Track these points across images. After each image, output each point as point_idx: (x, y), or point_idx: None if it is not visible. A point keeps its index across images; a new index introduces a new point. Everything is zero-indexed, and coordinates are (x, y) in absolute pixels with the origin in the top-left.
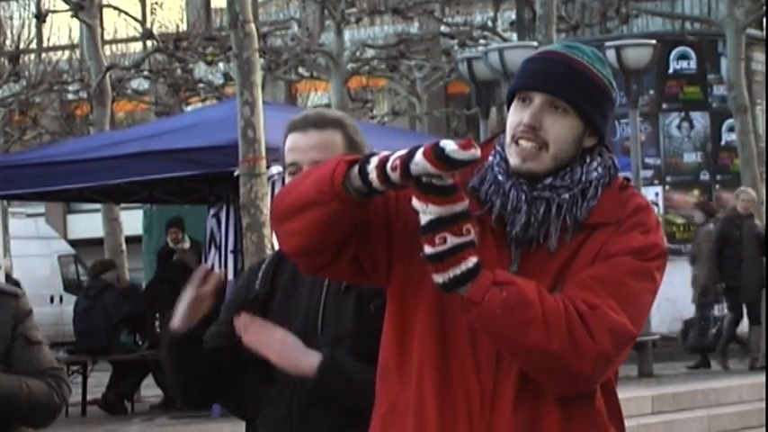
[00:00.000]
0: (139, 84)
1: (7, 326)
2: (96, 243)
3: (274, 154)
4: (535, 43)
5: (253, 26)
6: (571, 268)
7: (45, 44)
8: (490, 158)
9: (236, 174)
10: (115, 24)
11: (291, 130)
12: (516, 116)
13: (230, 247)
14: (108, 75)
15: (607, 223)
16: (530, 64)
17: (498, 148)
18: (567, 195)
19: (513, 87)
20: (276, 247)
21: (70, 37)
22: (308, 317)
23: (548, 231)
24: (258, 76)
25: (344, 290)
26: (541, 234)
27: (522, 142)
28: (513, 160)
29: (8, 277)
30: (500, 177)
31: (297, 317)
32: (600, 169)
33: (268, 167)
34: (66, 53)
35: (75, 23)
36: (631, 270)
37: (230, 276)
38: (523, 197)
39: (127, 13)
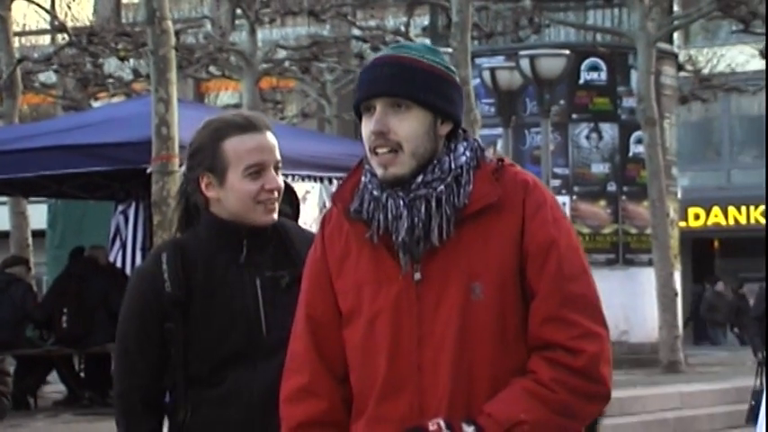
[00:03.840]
0: (47, 77)
1: None
2: (1, 236)
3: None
4: (449, 50)
5: (170, 23)
6: (481, 263)
7: None
8: (363, 179)
9: (148, 171)
10: (24, 16)
11: (247, 131)
12: (366, 128)
13: (139, 244)
14: (18, 67)
15: (490, 205)
16: (363, 75)
17: (367, 166)
18: (442, 187)
19: (356, 103)
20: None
21: None
22: (248, 318)
23: (431, 227)
24: (174, 74)
25: (286, 287)
26: (427, 232)
27: (379, 149)
28: (378, 171)
29: None
30: (375, 193)
31: (234, 328)
32: (468, 153)
33: (181, 165)
34: None
35: None
36: (571, 263)
37: None
38: (401, 203)
39: (38, 5)
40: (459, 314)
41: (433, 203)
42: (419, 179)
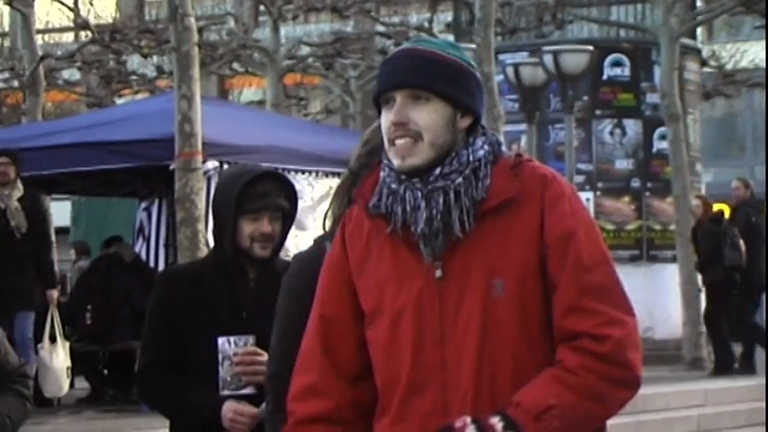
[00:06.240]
0: (71, 74)
1: None
2: None
3: (210, 149)
4: (473, 45)
5: (192, 20)
6: (502, 259)
7: None
8: (381, 174)
9: (171, 168)
10: (48, 13)
11: None
12: (386, 119)
13: (162, 240)
14: (41, 64)
15: (509, 201)
16: (384, 67)
17: (385, 161)
18: (460, 179)
19: (376, 95)
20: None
21: (1, 24)
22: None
23: (450, 220)
24: (196, 71)
25: None
26: (446, 224)
27: (398, 141)
28: (395, 162)
29: None
30: (393, 186)
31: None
32: (486, 146)
33: (204, 162)
34: None
35: (7, 11)
36: (589, 253)
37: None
38: (419, 194)
39: (61, 2)
40: (482, 311)
41: (452, 195)
42: (437, 171)
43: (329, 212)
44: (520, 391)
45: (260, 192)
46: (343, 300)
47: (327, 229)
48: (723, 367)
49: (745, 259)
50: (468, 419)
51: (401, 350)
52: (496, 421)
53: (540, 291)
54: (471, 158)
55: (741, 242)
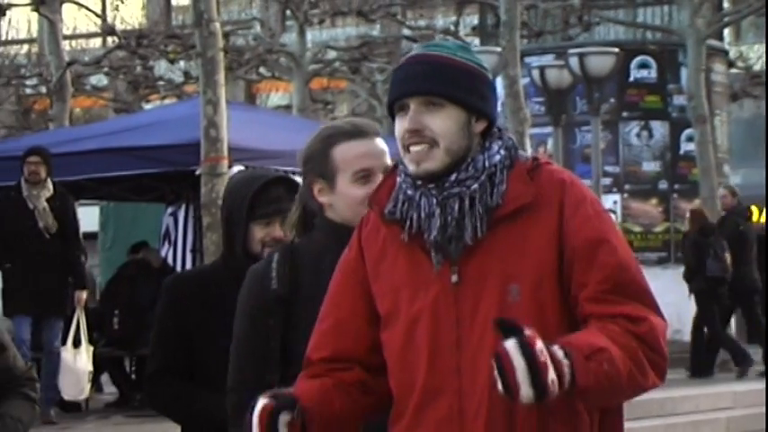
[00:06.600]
0: (98, 80)
1: None
2: None
3: (236, 154)
4: (498, 48)
5: (217, 25)
6: (518, 264)
7: (3, 37)
8: (398, 179)
9: (197, 173)
10: (75, 19)
11: (355, 137)
12: (400, 126)
13: (189, 246)
14: (68, 70)
15: (526, 206)
16: (396, 74)
17: (401, 167)
18: (476, 185)
19: (390, 102)
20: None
21: (29, 31)
22: None
23: (464, 226)
24: (222, 76)
25: None
26: (461, 230)
27: (413, 147)
28: (410, 167)
29: None
30: (409, 192)
31: None
32: (502, 151)
33: (230, 167)
34: (25, 47)
35: (34, 17)
36: (623, 254)
37: None
38: (434, 201)
39: (88, 8)
40: (498, 316)
41: (467, 202)
42: (452, 177)
43: (288, 220)
44: (567, 336)
45: (272, 197)
46: (357, 302)
47: (288, 236)
48: (738, 364)
49: (731, 270)
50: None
51: (417, 356)
52: (556, 348)
53: (558, 295)
54: (487, 164)
55: (727, 254)
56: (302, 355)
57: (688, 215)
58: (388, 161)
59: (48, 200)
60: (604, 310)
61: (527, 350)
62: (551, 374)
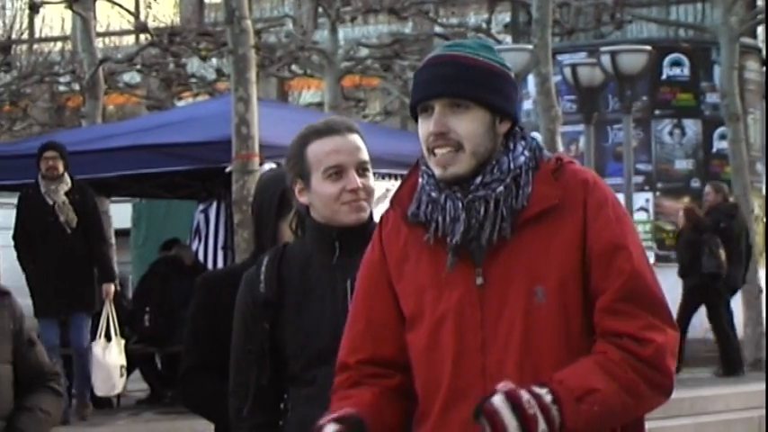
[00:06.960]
0: (131, 77)
1: (7, 326)
2: None
3: (267, 151)
4: (530, 46)
5: (249, 22)
6: (543, 266)
7: (37, 35)
8: (420, 181)
9: (228, 170)
10: (108, 17)
11: (325, 135)
12: (424, 129)
13: (220, 243)
14: (101, 67)
15: (552, 208)
16: (419, 75)
17: (424, 167)
18: (501, 188)
19: (413, 103)
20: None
21: (63, 28)
22: (336, 319)
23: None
24: (253, 73)
25: None
26: (482, 233)
27: (438, 150)
28: (437, 171)
29: None
30: (433, 194)
31: (322, 327)
32: (527, 152)
33: (261, 164)
34: (58, 44)
35: (68, 15)
36: (639, 261)
37: None
38: (459, 205)
39: (121, 6)
40: (523, 318)
41: (492, 205)
42: (478, 180)
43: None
44: (563, 370)
45: None
46: (386, 302)
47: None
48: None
49: (726, 266)
50: (512, 385)
51: (442, 357)
52: (544, 393)
53: (582, 297)
54: (512, 166)
55: (721, 251)
56: (292, 357)
57: (681, 213)
58: (363, 157)
59: (66, 193)
60: (614, 327)
61: (515, 405)
62: (542, 425)
